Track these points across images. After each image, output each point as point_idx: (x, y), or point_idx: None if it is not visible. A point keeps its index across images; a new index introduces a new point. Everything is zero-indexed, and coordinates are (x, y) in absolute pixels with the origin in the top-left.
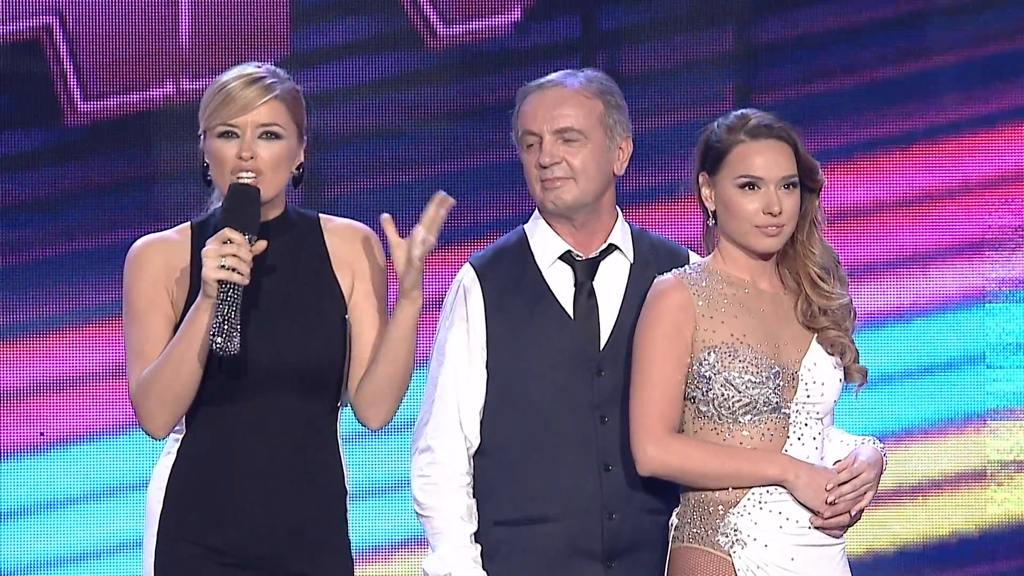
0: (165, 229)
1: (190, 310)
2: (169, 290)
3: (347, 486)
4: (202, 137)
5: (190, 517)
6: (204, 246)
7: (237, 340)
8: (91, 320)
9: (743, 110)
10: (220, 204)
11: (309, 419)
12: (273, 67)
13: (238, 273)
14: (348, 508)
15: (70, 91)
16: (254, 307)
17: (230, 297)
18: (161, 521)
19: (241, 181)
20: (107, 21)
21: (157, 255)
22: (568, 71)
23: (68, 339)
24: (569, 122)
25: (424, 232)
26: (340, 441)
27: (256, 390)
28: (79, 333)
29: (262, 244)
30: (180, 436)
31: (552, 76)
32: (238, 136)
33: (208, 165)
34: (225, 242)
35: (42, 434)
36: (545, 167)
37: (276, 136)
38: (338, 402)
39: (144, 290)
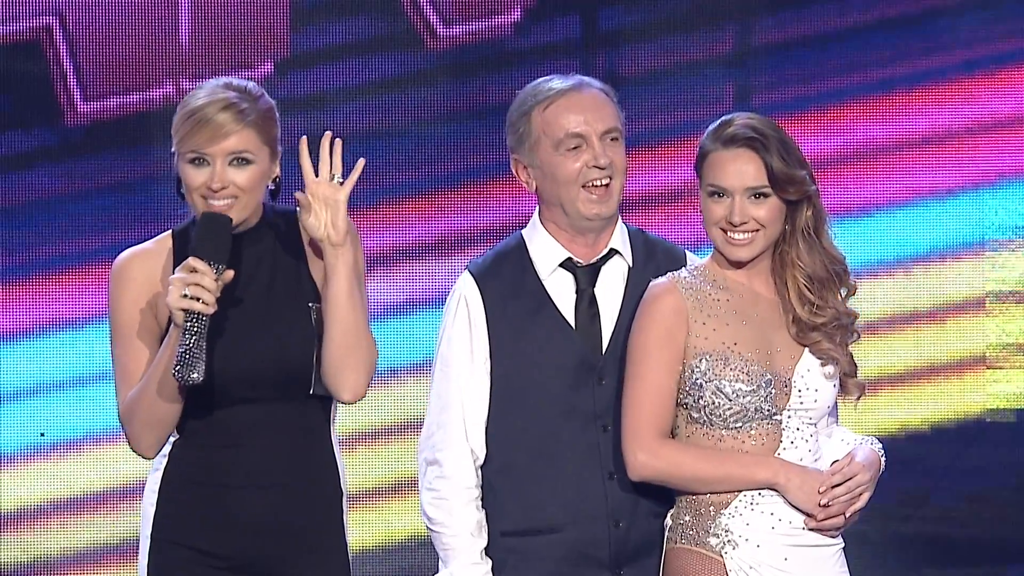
0: (164, 231)
1: (166, 337)
2: (152, 304)
3: (344, 488)
4: (175, 154)
5: (184, 521)
6: (183, 257)
7: (201, 369)
8: (92, 322)
9: (733, 114)
10: (187, 223)
11: (303, 422)
12: (246, 84)
13: (202, 302)
14: (345, 510)
15: (70, 91)
16: (240, 318)
17: (194, 326)
18: (154, 525)
19: (213, 208)
20: (107, 22)
21: (138, 270)
22: (570, 75)
23: (70, 340)
24: (613, 122)
25: (333, 177)
26: (336, 443)
27: (249, 396)
28: (80, 335)
29: (230, 274)
30: (173, 440)
31: (568, 79)
32: (208, 164)
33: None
34: (191, 271)
35: (42, 434)
36: (603, 168)
37: (247, 162)
38: (331, 404)
39: (126, 308)
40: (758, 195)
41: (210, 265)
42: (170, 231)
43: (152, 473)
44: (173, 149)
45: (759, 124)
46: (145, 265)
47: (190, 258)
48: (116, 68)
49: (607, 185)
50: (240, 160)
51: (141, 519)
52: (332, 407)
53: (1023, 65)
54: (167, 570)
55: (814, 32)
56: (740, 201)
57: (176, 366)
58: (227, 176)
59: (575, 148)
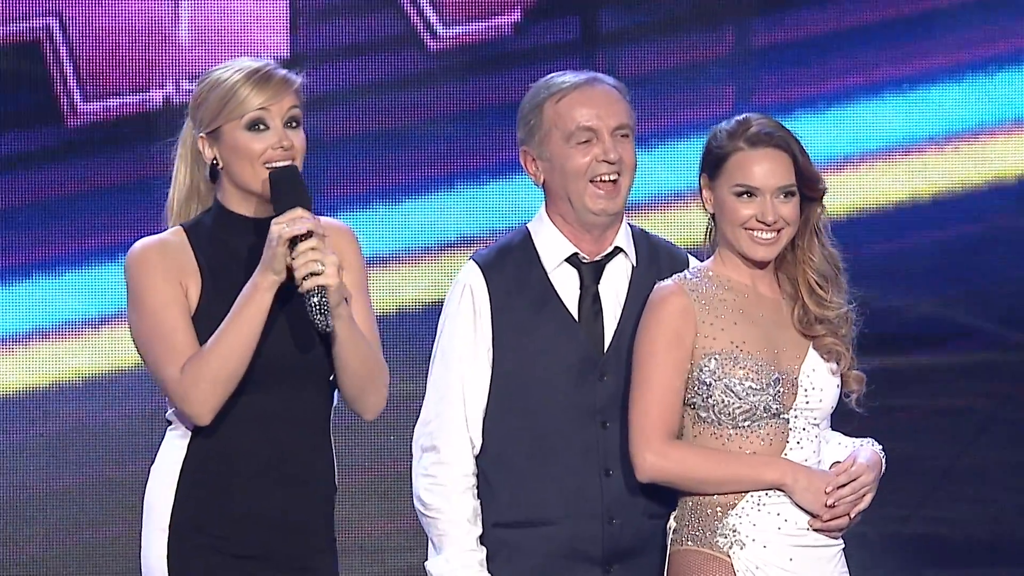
0: (164, 231)
1: (246, 289)
2: (182, 284)
3: (336, 484)
4: (211, 134)
5: (205, 512)
6: (203, 246)
7: (331, 317)
8: (91, 323)
9: (746, 115)
10: (213, 208)
11: (315, 415)
12: (267, 60)
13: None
14: (334, 505)
15: (70, 92)
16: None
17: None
18: (173, 515)
19: (277, 167)
20: (107, 22)
21: (161, 254)
22: (583, 70)
23: (69, 341)
24: (625, 119)
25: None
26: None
27: (267, 387)
28: (80, 335)
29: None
30: (188, 432)
31: (581, 74)
32: (267, 127)
33: (217, 162)
34: (297, 219)
35: (42, 436)
36: (612, 163)
37: (299, 123)
38: (333, 400)
39: (159, 287)
40: (787, 194)
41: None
42: (180, 226)
43: (162, 465)
44: (212, 127)
45: (776, 123)
46: (166, 251)
47: (297, 208)
48: (116, 69)
49: (615, 181)
50: (295, 121)
51: (147, 511)
52: (333, 403)
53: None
54: (188, 560)
55: (814, 32)
56: (772, 200)
57: (317, 316)
58: (288, 136)
59: (585, 142)
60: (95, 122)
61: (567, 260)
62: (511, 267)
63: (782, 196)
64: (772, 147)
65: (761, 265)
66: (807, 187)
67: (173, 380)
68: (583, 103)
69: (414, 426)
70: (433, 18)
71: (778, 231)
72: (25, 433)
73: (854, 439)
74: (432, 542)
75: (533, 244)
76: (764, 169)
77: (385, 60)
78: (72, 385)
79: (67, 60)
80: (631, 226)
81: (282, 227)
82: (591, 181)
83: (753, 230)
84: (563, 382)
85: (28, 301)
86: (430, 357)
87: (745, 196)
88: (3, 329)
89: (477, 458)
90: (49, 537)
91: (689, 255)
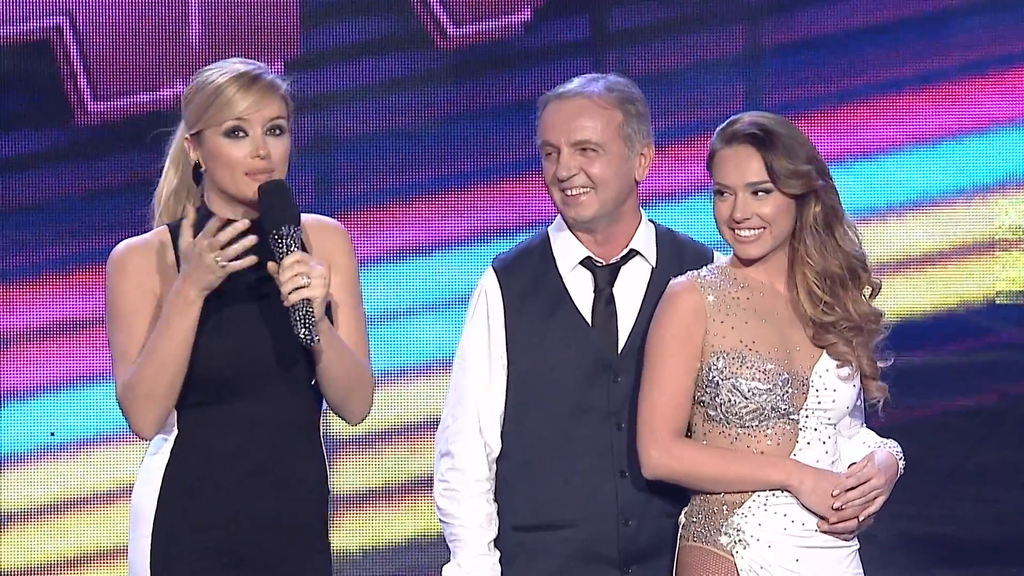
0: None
1: (172, 298)
2: (156, 292)
3: (330, 487)
4: (195, 136)
5: (188, 517)
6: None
7: (316, 330)
8: (97, 321)
9: (740, 114)
10: (201, 209)
11: (301, 418)
12: (258, 63)
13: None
14: (326, 507)
15: (80, 91)
16: (246, 309)
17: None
18: (156, 521)
19: (265, 181)
20: (117, 21)
21: (140, 259)
22: (591, 77)
23: (78, 340)
24: (587, 135)
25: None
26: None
27: (250, 390)
28: (87, 334)
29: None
30: (172, 436)
31: (572, 83)
32: (246, 134)
33: (200, 164)
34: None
35: (52, 434)
36: (563, 180)
37: (282, 131)
38: (321, 404)
39: (129, 293)
40: (760, 191)
41: (296, 228)
42: (165, 226)
43: (146, 473)
44: (193, 129)
45: (764, 120)
46: (147, 255)
47: (283, 227)
48: (126, 67)
49: (579, 195)
50: (277, 129)
51: (132, 516)
52: (322, 407)
53: None
54: (172, 564)
55: (825, 32)
56: (743, 197)
57: (301, 330)
58: (267, 145)
59: (549, 155)
60: (105, 121)
61: (582, 263)
62: (527, 271)
63: (754, 193)
64: (744, 144)
65: (754, 262)
66: (783, 184)
67: (118, 392)
68: (550, 115)
69: (421, 426)
70: (443, 17)
71: (760, 229)
72: (38, 434)
73: (881, 439)
74: (449, 547)
75: (551, 247)
76: (731, 167)
77: (395, 59)
78: (83, 381)
79: (77, 59)
80: (656, 226)
81: (214, 255)
82: (562, 191)
83: (733, 229)
84: (576, 384)
85: (38, 299)
86: (434, 358)
87: (721, 194)
88: (9, 328)
89: (497, 461)
90: (51, 538)
91: (716, 252)
